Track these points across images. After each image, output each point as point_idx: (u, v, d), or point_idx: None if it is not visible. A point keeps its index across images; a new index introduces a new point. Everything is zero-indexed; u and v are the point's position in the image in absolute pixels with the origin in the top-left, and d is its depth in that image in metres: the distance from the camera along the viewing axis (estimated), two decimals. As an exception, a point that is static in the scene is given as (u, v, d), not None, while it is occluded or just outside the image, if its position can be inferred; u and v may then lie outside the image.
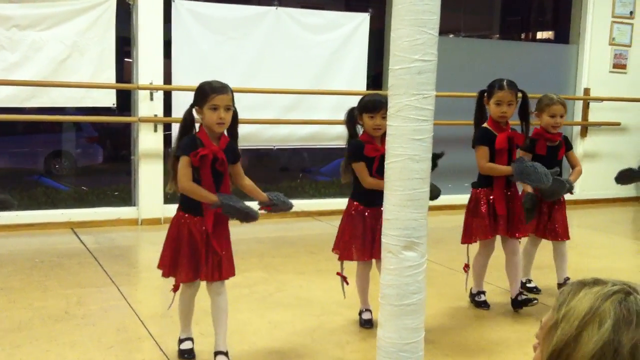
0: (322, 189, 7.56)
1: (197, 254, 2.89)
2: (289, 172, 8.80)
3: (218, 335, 2.98)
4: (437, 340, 3.36)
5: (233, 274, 3.00)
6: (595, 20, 7.43)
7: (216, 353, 2.98)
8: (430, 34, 2.19)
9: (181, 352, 3.05)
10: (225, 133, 2.99)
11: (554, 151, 3.97)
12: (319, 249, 5.15)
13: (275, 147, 6.55)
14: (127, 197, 6.20)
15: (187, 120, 2.96)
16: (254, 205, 3.03)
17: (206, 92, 2.84)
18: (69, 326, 3.40)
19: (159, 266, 2.95)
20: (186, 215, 2.91)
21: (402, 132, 2.22)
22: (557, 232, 4.01)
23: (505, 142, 3.61)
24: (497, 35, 10.87)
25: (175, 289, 2.96)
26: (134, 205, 5.90)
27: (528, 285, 4.21)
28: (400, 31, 2.21)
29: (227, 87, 2.88)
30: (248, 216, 2.92)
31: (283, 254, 5.07)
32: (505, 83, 3.63)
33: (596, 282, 1.10)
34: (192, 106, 2.94)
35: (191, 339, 3.10)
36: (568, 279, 4.07)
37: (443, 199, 6.42)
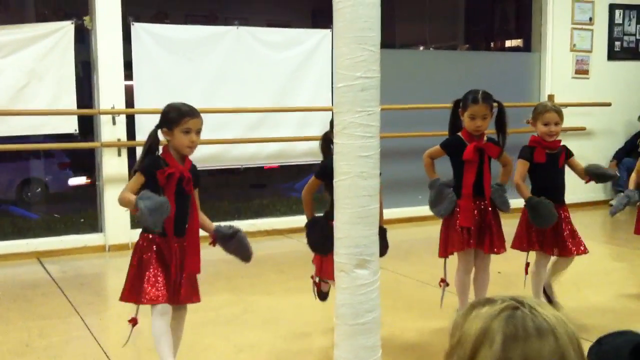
0: (293, 206, 7.54)
1: (168, 274, 2.84)
2: (260, 190, 8.79)
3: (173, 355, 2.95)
4: (404, 355, 3.34)
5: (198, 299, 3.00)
6: (555, 27, 7.51)
7: None
8: (371, 50, 2.19)
9: None
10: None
11: (554, 159, 3.82)
12: (288, 267, 5.12)
13: (243, 167, 6.52)
14: (94, 223, 6.13)
15: (153, 142, 2.93)
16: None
17: (179, 115, 2.85)
18: (29, 360, 3.33)
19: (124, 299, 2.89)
20: (151, 236, 2.86)
21: (349, 149, 2.22)
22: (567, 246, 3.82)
23: (472, 153, 3.51)
24: (463, 45, 10.98)
25: (134, 321, 2.91)
26: (101, 232, 5.83)
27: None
28: (341, 49, 2.21)
29: (197, 111, 2.91)
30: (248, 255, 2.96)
31: (251, 274, 5.01)
32: (480, 96, 3.52)
33: (486, 302, 1.10)
34: (158, 127, 2.91)
35: None
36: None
37: (414, 211, 6.51)
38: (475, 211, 3.58)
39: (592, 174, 3.87)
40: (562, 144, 3.90)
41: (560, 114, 3.81)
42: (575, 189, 3.91)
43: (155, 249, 2.84)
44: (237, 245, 3.07)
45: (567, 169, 3.92)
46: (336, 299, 2.28)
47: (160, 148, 2.96)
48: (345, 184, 2.22)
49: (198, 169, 3.04)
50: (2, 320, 3.95)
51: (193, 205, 2.93)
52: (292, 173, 8.84)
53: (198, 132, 2.88)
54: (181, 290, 2.91)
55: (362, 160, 2.20)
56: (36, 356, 3.38)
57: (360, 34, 2.16)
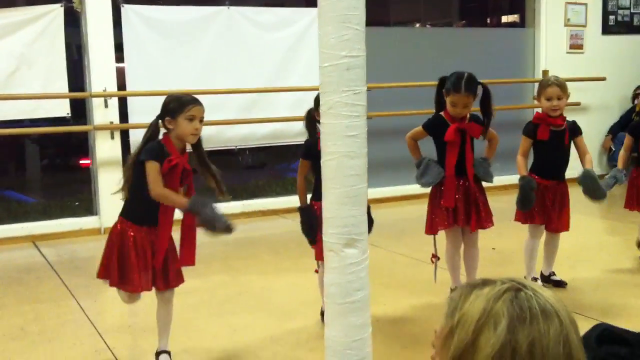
0: (289, 186, 7.53)
1: (145, 263, 2.86)
2: (255, 171, 8.77)
3: (164, 337, 3.01)
4: (396, 332, 3.36)
5: (183, 281, 3.02)
6: (549, 2, 7.46)
7: (164, 352, 3.00)
8: (356, 29, 2.17)
9: None
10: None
11: (559, 136, 3.77)
12: (283, 247, 5.13)
13: (237, 148, 6.51)
14: (89, 206, 6.13)
15: (154, 132, 2.93)
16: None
17: (183, 103, 2.86)
18: (24, 344, 3.34)
19: (101, 276, 2.92)
20: (129, 223, 2.88)
21: (335, 129, 2.20)
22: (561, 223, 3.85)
23: (454, 134, 3.50)
24: (459, 22, 10.91)
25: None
26: (96, 215, 5.83)
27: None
28: (326, 28, 2.18)
29: (199, 100, 2.93)
30: (216, 224, 2.78)
31: (246, 255, 5.03)
32: (462, 85, 3.44)
33: (485, 282, 1.08)
34: (159, 118, 2.90)
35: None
36: (553, 273, 4.02)
37: (408, 189, 6.50)
38: (459, 191, 3.58)
39: (583, 186, 3.77)
40: (569, 120, 3.87)
41: (562, 88, 3.75)
42: (572, 163, 3.89)
43: (133, 235, 2.86)
44: (207, 217, 2.83)
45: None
46: (325, 278, 2.28)
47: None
48: (333, 164, 2.21)
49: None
50: (-3, 305, 3.97)
51: (189, 196, 2.93)
52: (288, 153, 8.83)
53: (201, 120, 2.89)
54: (169, 276, 2.95)
55: (349, 140, 2.19)
56: (31, 340, 3.39)
57: (345, 12, 2.14)
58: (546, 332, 1.00)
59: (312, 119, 3.37)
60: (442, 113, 3.62)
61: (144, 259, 2.86)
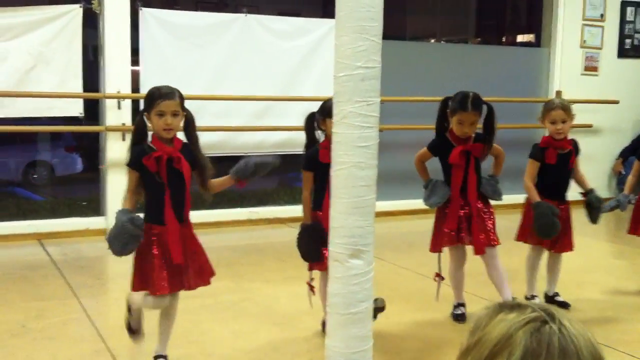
0: (297, 195, 7.51)
1: (170, 263, 2.84)
2: (264, 179, 8.79)
3: (163, 341, 2.99)
4: (397, 347, 3.34)
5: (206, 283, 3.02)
6: (566, 23, 7.46)
7: (160, 357, 2.98)
8: (373, 40, 2.17)
9: None
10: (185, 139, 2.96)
11: (565, 159, 3.76)
12: (288, 256, 5.08)
13: (247, 155, 6.51)
14: (96, 206, 6.14)
15: (139, 128, 2.92)
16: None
17: (153, 98, 2.82)
18: (25, 341, 3.34)
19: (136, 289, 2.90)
20: (152, 225, 2.86)
21: (347, 139, 2.20)
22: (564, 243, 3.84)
23: (458, 158, 3.49)
24: (474, 39, 10.92)
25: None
26: (103, 215, 5.84)
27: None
28: (343, 38, 2.19)
29: (174, 93, 2.84)
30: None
31: (252, 262, 5.03)
32: (469, 103, 3.43)
33: (514, 307, 1.02)
34: (142, 113, 2.90)
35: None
36: (557, 294, 4.00)
37: (417, 203, 6.42)
38: (462, 212, 3.57)
39: (588, 204, 3.84)
40: (572, 139, 3.86)
41: (567, 111, 3.72)
42: (574, 185, 3.89)
43: (154, 239, 2.84)
44: (258, 168, 3.00)
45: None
46: (329, 288, 2.27)
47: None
48: (343, 173, 2.21)
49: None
50: (0, 301, 3.97)
51: (187, 189, 2.90)
52: (297, 162, 8.84)
53: (174, 114, 2.80)
54: (189, 276, 2.91)
55: (360, 150, 2.19)
56: (32, 337, 3.39)
57: (361, 24, 2.14)
58: None
59: (312, 124, 3.34)
60: (446, 134, 3.60)
61: (166, 260, 2.82)
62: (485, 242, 3.55)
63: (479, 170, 3.61)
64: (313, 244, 3.19)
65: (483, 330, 1.01)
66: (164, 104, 2.79)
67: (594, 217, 3.86)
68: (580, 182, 3.90)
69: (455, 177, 3.55)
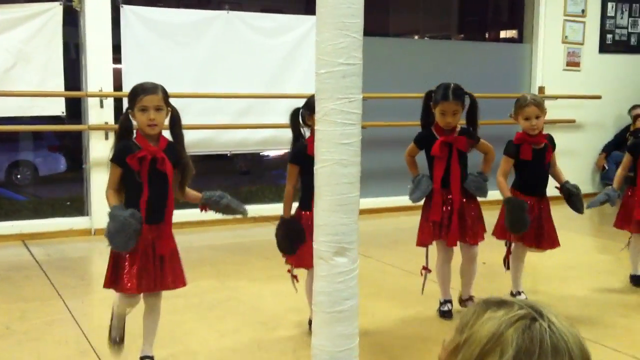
0: (282, 193, 7.50)
1: (144, 262, 2.81)
2: (249, 177, 8.76)
3: (148, 342, 2.97)
4: (384, 343, 3.34)
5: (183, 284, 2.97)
6: (547, 19, 7.49)
7: (146, 357, 2.96)
8: (354, 37, 2.16)
9: None
10: (171, 137, 2.94)
11: (541, 155, 3.76)
12: (274, 254, 5.07)
13: (231, 153, 6.50)
14: (80, 206, 6.10)
15: (123, 126, 2.90)
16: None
17: (135, 94, 2.80)
18: (9, 342, 3.31)
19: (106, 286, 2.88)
20: None
21: (329, 136, 2.19)
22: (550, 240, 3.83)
23: (439, 149, 3.50)
24: (457, 35, 10.94)
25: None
26: (87, 215, 5.80)
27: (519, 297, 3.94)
28: (323, 35, 2.18)
29: (157, 88, 2.83)
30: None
31: (237, 261, 5.02)
32: (450, 93, 3.45)
33: (501, 303, 1.03)
34: (127, 110, 2.88)
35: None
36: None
37: (402, 200, 6.46)
38: (446, 204, 3.57)
39: (567, 194, 3.82)
40: (547, 134, 3.86)
41: (540, 107, 3.71)
42: (552, 181, 3.89)
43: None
44: (227, 204, 3.02)
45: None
46: (314, 286, 2.27)
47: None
48: (325, 171, 2.20)
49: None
50: (-17, 302, 3.93)
51: (170, 189, 2.88)
52: (282, 160, 8.84)
53: (157, 109, 2.79)
54: (165, 276, 2.88)
55: (343, 147, 2.18)
56: (16, 339, 3.36)
57: (342, 20, 2.14)
58: None
59: (297, 120, 3.33)
60: (432, 128, 3.61)
61: (139, 260, 2.79)
62: (459, 237, 3.58)
63: (465, 164, 3.61)
64: (287, 239, 3.24)
65: (471, 328, 1.01)
66: (146, 99, 2.77)
67: (577, 206, 3.82)
68: (556, 176, 3.89)
69: (437, 168, 3.55)
